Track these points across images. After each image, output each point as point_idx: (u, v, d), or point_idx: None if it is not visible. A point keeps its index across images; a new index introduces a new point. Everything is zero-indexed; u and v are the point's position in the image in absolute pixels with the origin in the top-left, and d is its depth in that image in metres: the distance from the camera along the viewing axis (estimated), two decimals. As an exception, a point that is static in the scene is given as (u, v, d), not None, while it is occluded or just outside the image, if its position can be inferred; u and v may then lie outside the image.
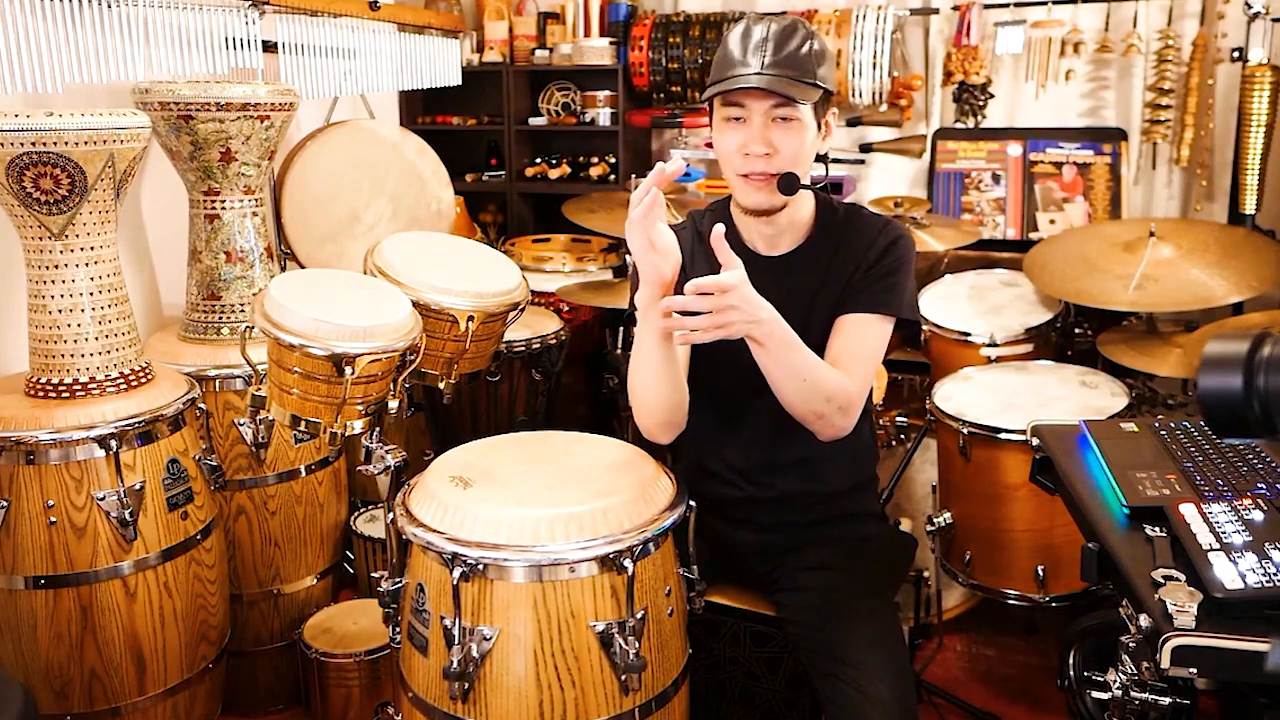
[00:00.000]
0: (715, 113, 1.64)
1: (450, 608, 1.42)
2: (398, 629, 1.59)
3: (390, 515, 1.57)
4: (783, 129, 1.57)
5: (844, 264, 1.67)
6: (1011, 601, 2.27)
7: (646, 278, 1.48)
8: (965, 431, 2.22)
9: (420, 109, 3.88)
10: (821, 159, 1.73)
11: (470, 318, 1.99)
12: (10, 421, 1.81)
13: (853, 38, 3.31)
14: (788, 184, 1.59)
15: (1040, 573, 2.19)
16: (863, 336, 1.63)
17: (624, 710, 1.46)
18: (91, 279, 1.88)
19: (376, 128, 2.98)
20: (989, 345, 2.72)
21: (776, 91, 1.53)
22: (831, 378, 1.56)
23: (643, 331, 1.55)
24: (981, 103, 3.44)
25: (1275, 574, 1.09)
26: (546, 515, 1.44)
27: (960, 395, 2.38)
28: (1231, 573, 1.10)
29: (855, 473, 1.81)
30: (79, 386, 1.88)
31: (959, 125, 3.49)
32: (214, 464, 2.10)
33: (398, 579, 1.59)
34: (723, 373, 1.70)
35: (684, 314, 1.43)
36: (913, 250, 1.70)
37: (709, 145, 3.74)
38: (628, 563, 1.43)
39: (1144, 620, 1.09)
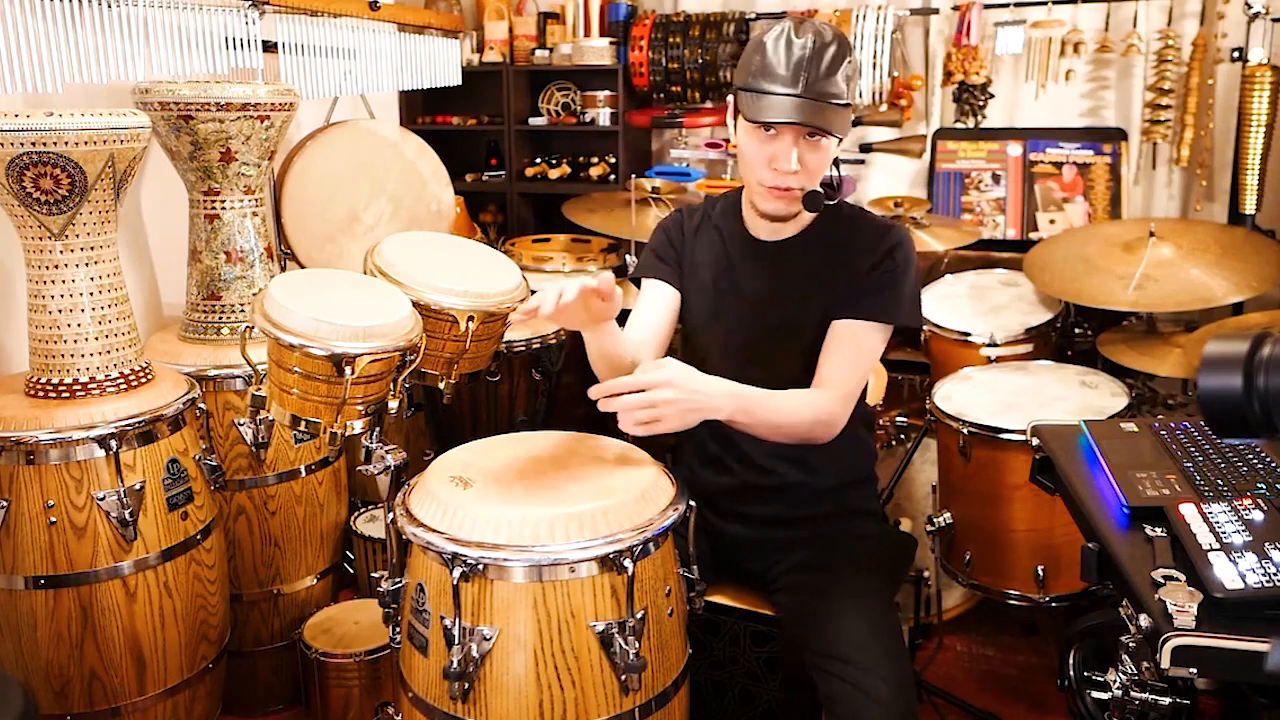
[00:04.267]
0: (743, 109, 1.63)
1: (450, 608, 1.42)
2: (398, 629, 1.59)
3: (390, 515, 1.57)
4: (812, 146, 1.61)
5: (843, 259, 1.69)
6: (1011, 601, 2.27)
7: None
8: (965, 431, 2.22)
9: (420, 109, 3.88)
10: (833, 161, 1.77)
11: (470, 318, 1.98)
12: (10, 421, 1.81)
13: (853, 38, 3.30)
14: (812, 202, 1.63)
15: (1040, 573, 2.19)
16: (856, 344, 1.65)
17: (624, 710, 1.46)
18: (91, 279, 1.88)
19: (376, 128, 2.98)
20: (989, 345, 2.72)
21: (814, 125, 1.56)
22: (807, 410, 1.60)
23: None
24: (981, 103, 3.44)
25: (1275, 574, 1.09)
26: (546, 515, 1.44)
27: (960, 395, 2.38)
28: (1231, 573, 1.10)
29: (852, 469, 1.82)
30: (79, 386, 1.88)
31: (959, 125, 3.49)
32: (214, 464, 2.10)
33: (398, 579, 1.59)
34: (729, 360, 1.71)
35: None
36: (913, 254, 1.70)
37: (709, 145, 3.74)
38: (628, 563, 1.43)
39: (1144, 620, 1.09)
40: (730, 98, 1.69)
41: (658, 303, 1.80)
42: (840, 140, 1.66)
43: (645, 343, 1.76)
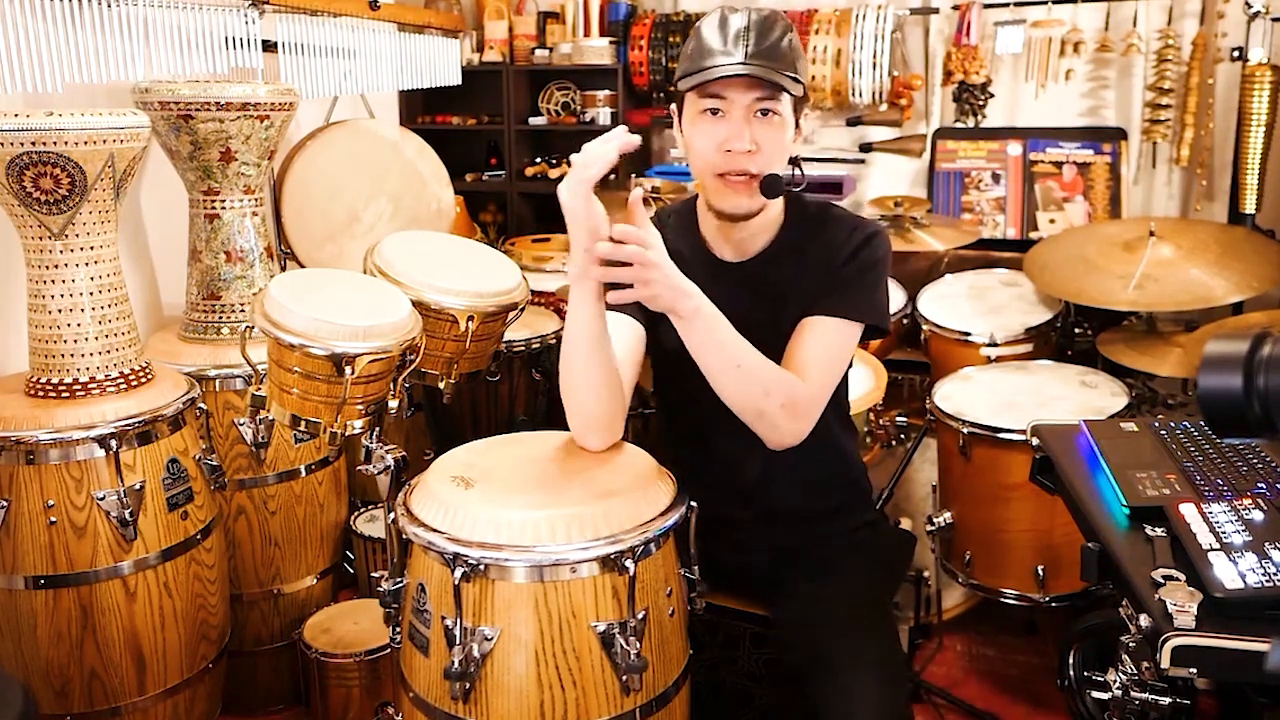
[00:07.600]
0: (688, 107, 1.55)
1: (451, 608, 1.42)
2: (398, 629, 1.59)
3: (391, 515, 1.57)
4: (765, 124, 1.50)
5: (813, 265, 1.60)
6: (1011, 601, 2.27)
7: (584, 244, 1.40)
8: (965, 431, 2.22)
9: (420, 109, 3.88)
10: (793, 162, 1.67)
11: (470, 318, 1.98)
12: (10, 421, 1.81)
13: (853, 37, 3.31)
14: (771, 186, 1.50)
15: (1040, 573, 2.19)
16: (821, 339, 1.56)
17: (625, 710, 1.46)
18: (91, 279, 1.88)
19: (376, 128, 2.98)
20: (989, 345, 2.72)
21: (765, 79, 1.45)
22: (773, 371, 1.50)
23: (575, 306, 1.46)
24: (981, 102, 3.44)
25: (1275, 574, 1.10)
26: (548, 515, 1.44)
27: (960, 395, 2.38)
28: (1231, 573, 1.10)
29: (844, 489, 1.79)
30: (79, 386, 1.88)
31: (959, 125, 3.49)
32: (214, 464, 2.10)
33: (398, 579, 1.59)
34: (706, 387, 1.56)
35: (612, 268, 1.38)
36: (886, 250, 1.61)
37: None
38: (629, 563, 1.43)
39: (1144, 620, 1.09)
40: (673, 105, 1.62)
41: (621, 342, 1.60)
42: (797, 130, 1.56)
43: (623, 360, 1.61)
